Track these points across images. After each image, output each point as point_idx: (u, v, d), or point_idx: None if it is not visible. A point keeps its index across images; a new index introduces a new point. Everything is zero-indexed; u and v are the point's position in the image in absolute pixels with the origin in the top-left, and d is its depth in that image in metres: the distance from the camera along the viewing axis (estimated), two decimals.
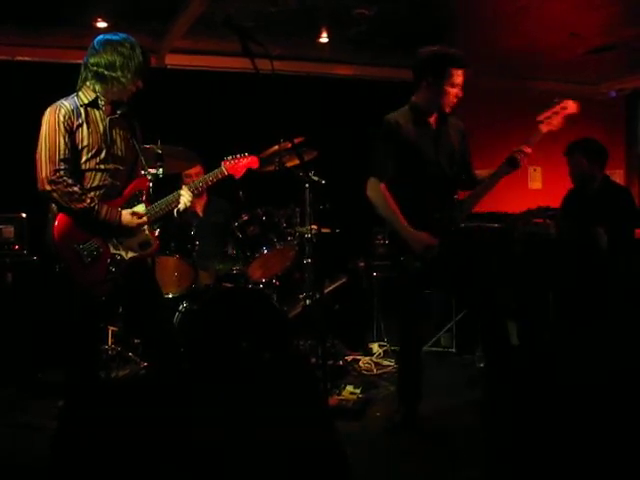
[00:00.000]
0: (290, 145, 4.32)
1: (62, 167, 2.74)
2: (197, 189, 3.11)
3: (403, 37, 5.57)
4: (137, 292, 3.00)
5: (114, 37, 2.85)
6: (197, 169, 4.72)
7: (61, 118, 2.76)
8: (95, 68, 2.82)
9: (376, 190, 3.23)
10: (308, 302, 4.47)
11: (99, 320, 3.11)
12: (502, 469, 2.50)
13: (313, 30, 5.41)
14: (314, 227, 4.28)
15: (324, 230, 4.53)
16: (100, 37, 2.86)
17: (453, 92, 3.21)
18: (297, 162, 4.40)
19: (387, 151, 3.24)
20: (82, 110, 2.82)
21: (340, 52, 6.07)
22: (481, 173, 3.44)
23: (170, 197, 3.04)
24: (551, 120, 3.28)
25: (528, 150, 3.22)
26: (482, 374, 4.20)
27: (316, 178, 4.41)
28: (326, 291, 4.90)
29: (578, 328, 4.11)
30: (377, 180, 3.23)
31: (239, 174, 3.22)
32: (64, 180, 2.74)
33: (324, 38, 5.57)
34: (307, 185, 4.30)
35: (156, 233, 3.18)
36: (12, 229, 4.53)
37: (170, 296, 4.27)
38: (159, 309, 3.08)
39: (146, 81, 2.92)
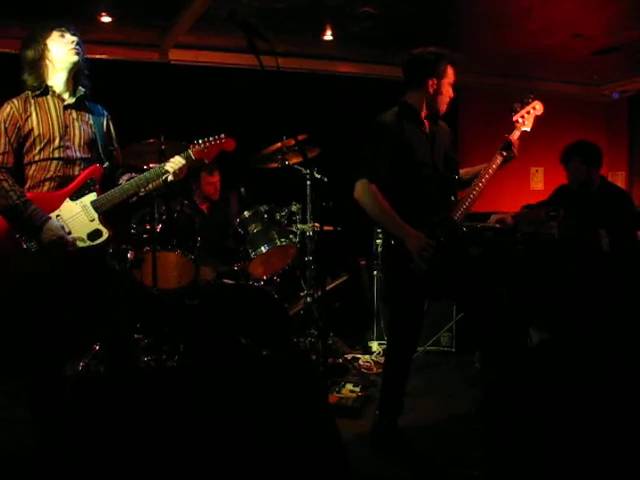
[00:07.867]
0: (293, 142, 4.34)
1: None
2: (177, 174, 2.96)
3: (408, 35, 5.56)
4: (88, 283, 2.88)
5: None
6: (217, 176, 4.98)
7: (3, 118, 2.77)
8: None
9: (366, 191, 3.05)
10: (309, 300, 4.48)
11: (58, 307, 2.84)
12: (502, 469, 2.51)
13: (318, 27, 5.40)
14: (316, 225, 4.29)
15: (326, 228, 4.53)
16: None
17: (450, 91, 3.20)
18: (300, 159, 4.40)
19: (380, 152, 3.11)
20: (32, 101, 2.83)
21: (345, 50, 6.07)
22: (467, 172, 3.35)
23: (136, 180, 2.89)
24: (525, 120, 3.26)
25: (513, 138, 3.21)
26: (481, 374, 4.20)
27: (318, 176, 4.42)
28: (327, 289, 4.91)
29: (579, 330, 4.11)
30: (367, 181, 3.05)
31: (209, 158, 3.08)
32: None
33: (329, 36, 5.57)
34: (309, 182, 4.30)
35: (110, 223, 2.92)
36: None
37: None
38: (111, 302, 2.93)
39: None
